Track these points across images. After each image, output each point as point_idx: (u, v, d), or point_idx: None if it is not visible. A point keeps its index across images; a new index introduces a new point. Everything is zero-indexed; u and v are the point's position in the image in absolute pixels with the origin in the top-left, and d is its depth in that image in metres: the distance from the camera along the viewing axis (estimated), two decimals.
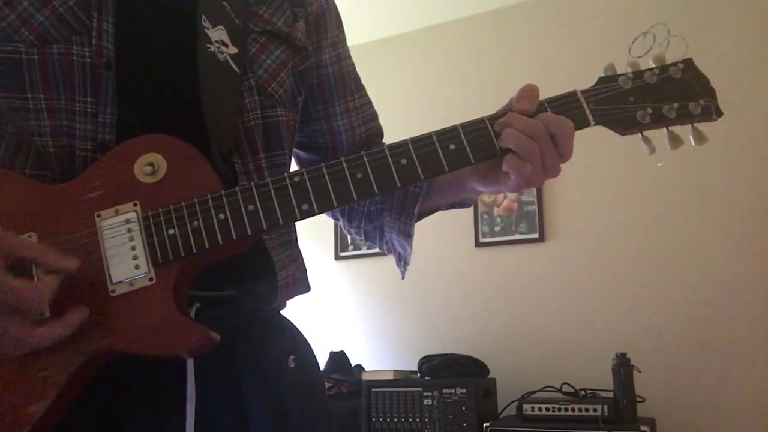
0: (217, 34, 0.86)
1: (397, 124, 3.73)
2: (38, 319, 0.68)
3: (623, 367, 2.61)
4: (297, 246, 0.95)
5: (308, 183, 0.77)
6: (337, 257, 3.70)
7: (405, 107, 3.63)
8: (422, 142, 0.79)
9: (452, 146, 0.79)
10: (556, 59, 3.28)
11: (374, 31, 3.73)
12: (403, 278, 1.00)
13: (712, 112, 0.81)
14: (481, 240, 3.36)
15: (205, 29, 0.85)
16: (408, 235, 0.95)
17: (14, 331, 0.67)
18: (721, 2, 3.01)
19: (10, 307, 0.66)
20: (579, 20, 3.30)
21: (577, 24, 3.30)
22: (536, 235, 3.23)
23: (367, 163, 0.78)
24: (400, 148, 0.79)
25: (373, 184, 0.78)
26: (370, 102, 1.06)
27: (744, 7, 2.96)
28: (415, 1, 3.49)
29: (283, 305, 0.94)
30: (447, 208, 1.00)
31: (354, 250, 3.62)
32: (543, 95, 0.82)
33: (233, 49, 0.86)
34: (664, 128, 0.82)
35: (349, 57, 1.03)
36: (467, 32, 3.58)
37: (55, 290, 0.69)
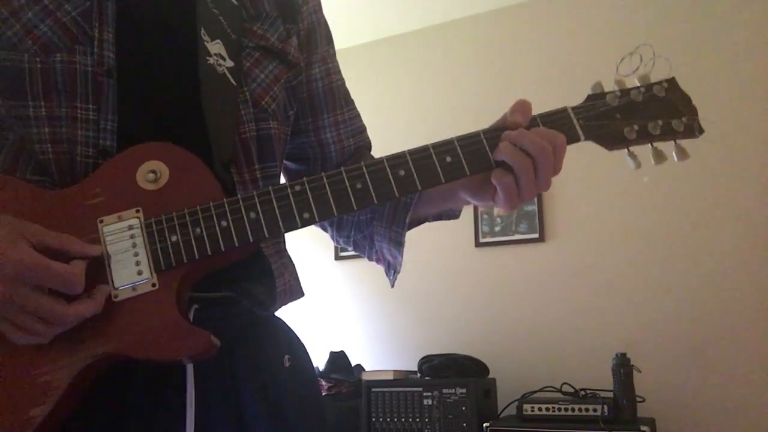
0: (216, 47, 0.87)
1: (397, 124, 3.73)
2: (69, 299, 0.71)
3: (623, 367, 2.61)
4: (288, 253, 0.97)
5: (309, 192, 0.78)
6: (337, 257, 3.71)
7: (405, 107, 3.63)
8: (420, 154, 0.81)
9: (449, 158, 0.81)
10: (556, 59, 3.29)
11: (374, 31, 3.73)
12: (392, 287, 1.02)
13: (694, 129, 0.84)
14: (481, 240, 3.37)
15: (205, 42, 0.87)
16: (399, 244, 0.96)
17: (52, 309, 0.69)
18: (717, 8, 3.02)
19: (46, 287, 0.69)
20: (579, 20, 3.30)
21: (577, 24, 3.30)
22: (536, 235, 3.24)
23: (366, 173, 0.80)
24: (398, 159, 0.81)
25: (373, 194, 0.79)
26: (358, 115, 1.07)
27: (741, 9, 2.97)
28: (415, 1, 3.49)
29: (277, 309, 0.95)
30: (434, 220, 1.01)
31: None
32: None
33: (230, 63, 0.88)
34: (649, 144, 0.85)
35: (339, 72, 1.05)
36: (467, 32, 3.58)
37: (84, 273, 0.71)
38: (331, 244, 3.67)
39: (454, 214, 1.01)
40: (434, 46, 3.66)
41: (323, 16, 1.05)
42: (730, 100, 2.84)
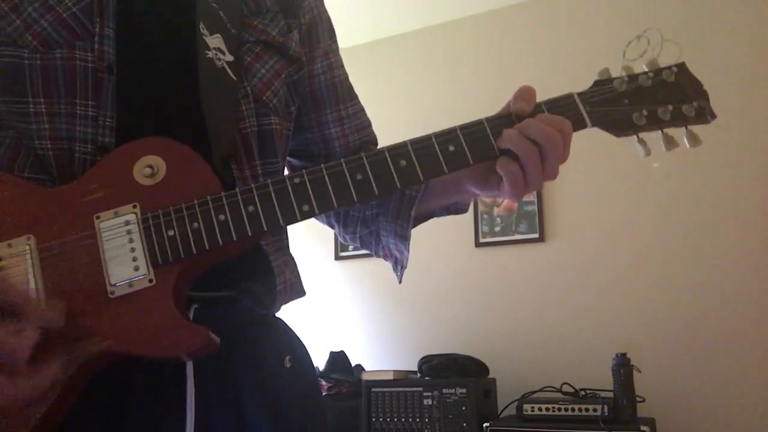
0: (215, 41, 0.86)
1: (397, 124, 3.73)
2: (12, 371, 0.66)
3: (623, 367, 2.61)
4: (290, 251, 0.96)
5: (308, 184, 0.77)
6: (337, 257, 3.70)
7: (405, 107, 3.63)
8: (421, 144, 0.79)
9: (451, 147, 0.79)
10: (556, 59, 3.28)
11: (374, 31, 3.73)
12: (400, 282, 1.01)
13: (706, 114, 0.82)
14: (481, 240, 3.36)
15: (204, 36, 0.86)
16: (405, 238, 0.95)
17: None
18: (720, 3, 3.01)
19: None
20: (579, 20, 3.30)
21: (577, 24, 3.30)
22: (536, 235, 3.23)
23: (367, 164, 0.78)
24: (399, 149, 0.79)
25: (373, 185, 0.77)
26: (362, 110, 1.06)
27: (742, 8, 2.96)
28: (415, 1, 3.49)
29: (278, 308, 0.94)
30: (441, 215, 1.00)
31: (354, 250, 3.62)
32: (544, 94, 0.83)
33: (230, 57, 0.87)
34: (659, 130, 0.83)
35: (342, 67, 1.04)
36: (467, 32, 3.58)
37: (35, 341, 0.66)
38: (331, 244, 3.67)
39: (461, 208, 1.00)
40: (434, 46, 3.66)
41: (325, 11, 1.04)
42: (730, 100, 2.84)
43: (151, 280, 0.73)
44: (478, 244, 3.37)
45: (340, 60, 1.05)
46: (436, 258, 3.36)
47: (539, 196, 3.24)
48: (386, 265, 1.03)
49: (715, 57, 2.93)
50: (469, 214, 3.35)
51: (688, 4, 3.06)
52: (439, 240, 3.29)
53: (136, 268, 0.73)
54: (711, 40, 2.98)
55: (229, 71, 0.86)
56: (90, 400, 0.73)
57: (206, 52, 0.85)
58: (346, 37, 3.60)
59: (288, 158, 1.03)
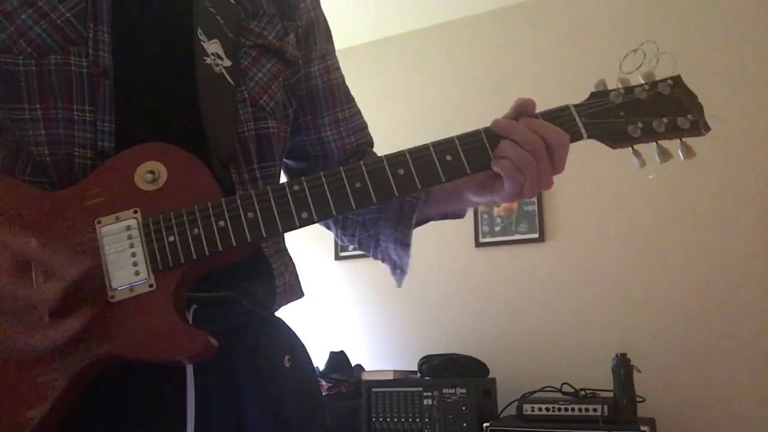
0: (213, 47, 0.87)
1: (397, 124, 3.72)
2: (36, 325, 0.70)
3: (623, 367, 2.61)
4: (288, 252, 0.96)
5: (307, 192, 0.78)
6: (337, 257, 3.70)
7: (405, 107, 3.63)
8: (420, 153, 0.80)
9: (449, 157, 0.80)
10: (556, 59, 3.28)
11: (374, 31, 3.73)
12: (398, 287, 1.01)
13: (700, 127, 0.83)
14: (481, 240, 3.36)
15: (201, 42, 0.86)
16: (406, 245, 0.96)
17: (12, 335, 0.69)
18: (720, 6, 3.01)
19: (10, 310, 0.68)
20: (579, 20, 3.30)
21: (577, 24, 3.30)
22: (536, 235, 3.23)
23: (365, 173, 0.79)
24: (398, 158, 0.80)
25: (372, 193, 0.79)
26: (359, 112, 1.07)
27: (741, 15, 2.97)
28: (415, 1, 3.49)
29: (277, 308, 0.95)
30: (440, 219, 1.01)
31: (354, 250, 3.61)
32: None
33: (227, 62, 0.87)
34: (654, 142, 0.84)
35: (338, 69, 1.05)
36: (467, 32, 3.58)
37: (58, 296, 0.70)
38: (332, 244, 3.67)
39: (458, 213, 1.01)
40: (434, 46, 3.66)
41: (322, 13, 1.04)
42: (730, 101, 2.84)
43: (151, 285, 0.74)
44: (478, 244, 3.37)
45: (337, 62, 1.05)
46: (436, 258, 3.36)
47: (539, 196, 3.24)
48: (386, 266, 1.03)
49: (713, 56, 2.93)
50: (469, 214, 3.34)
51: (688, 6, 3.06)
52: (439, 240, 3.30)
53: (137, 273, 0.74)
54: (710, 41, 2.97)
55: (227, 76, 0.86)
56: (90, 400, 0.74)
57: (204, 58, 0.85)
58: (346, 37, 3.61)
59: (284, 159, 1.03)
